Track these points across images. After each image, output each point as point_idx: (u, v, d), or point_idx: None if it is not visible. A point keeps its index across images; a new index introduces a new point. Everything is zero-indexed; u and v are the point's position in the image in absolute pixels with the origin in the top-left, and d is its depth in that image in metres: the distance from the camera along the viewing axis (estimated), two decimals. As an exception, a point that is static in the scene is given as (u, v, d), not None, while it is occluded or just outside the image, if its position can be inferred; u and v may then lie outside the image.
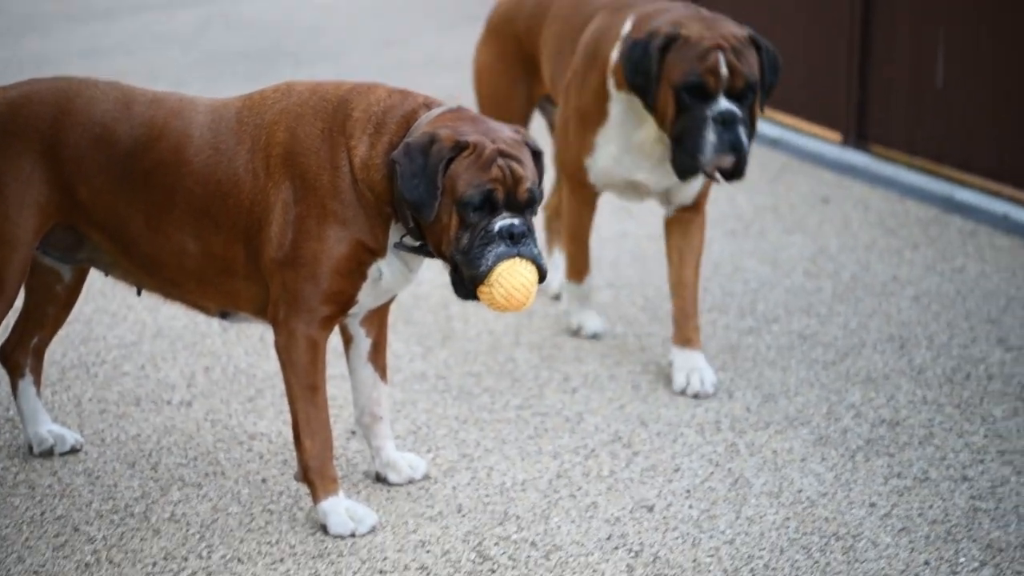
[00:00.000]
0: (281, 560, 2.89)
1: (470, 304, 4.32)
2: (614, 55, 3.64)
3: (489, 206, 2.78)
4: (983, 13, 5.33)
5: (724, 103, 3.46)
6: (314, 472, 3.01)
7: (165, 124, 2.99)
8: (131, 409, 3.60)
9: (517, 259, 2.78)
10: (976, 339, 4.03)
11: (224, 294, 3.04)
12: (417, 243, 2.91)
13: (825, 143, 6.16)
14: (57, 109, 3.02)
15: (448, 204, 2.78)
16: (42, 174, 3.01)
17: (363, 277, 2.91)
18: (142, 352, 3.96)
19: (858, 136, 6.04)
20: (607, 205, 5.40)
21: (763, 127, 6.47)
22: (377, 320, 3.15)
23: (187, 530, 3.01)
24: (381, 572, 2.84)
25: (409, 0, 10.53)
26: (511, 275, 2.76)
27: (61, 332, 3.95)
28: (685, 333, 3.72)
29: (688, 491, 3.18)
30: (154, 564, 2.87)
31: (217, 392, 3.70)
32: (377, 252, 2.92)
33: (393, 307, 4.26)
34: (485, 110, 4.08)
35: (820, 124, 6.29)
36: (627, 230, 5.09)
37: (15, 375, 3.35)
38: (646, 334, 4.12)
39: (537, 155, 2.90)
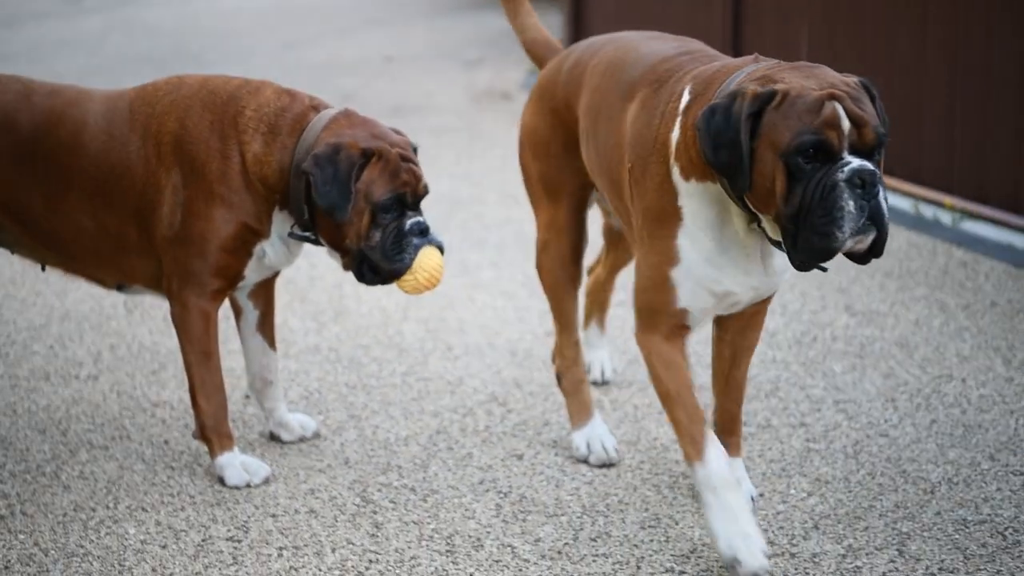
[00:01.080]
0: (182, 508, 3.17)
1: (363, 285, 4.63)
2: (674, 137, 2.84)
3: (400, 207, 3.12)
4: (838, 11, 5.72)
5: (855, 161, 2.68)
6: (210, 430, 3.29)
7: (63, 112, 3.26)
8: (41, 384, 3.86)
9: (428, 247, 3.14)
10: (826, 306, 4.40)
11: (119, 268, 3.31)
12: (306, 235, 3.21)
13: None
14: (-39, 96, 3.27)
15: (361, 206, 3.10)
16: (-54, 157, 3.26)
17: (248, 255, 3.20)
18: (50, 333, 4.21)
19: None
20: (493, 193, 5.73)
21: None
22: (264, 294, 3.44)
23: (95, 485, 3.27)
24: (273, 516, 3.13)
25: (308, 6, 10.81)
26: (428, 260, 3.15)
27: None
28: (734, 439, 3.15)
29: (555, 441, 3.50)
30: (64, 515, 3.13)
31: (122, 367, 3.97)
32: (261, 234, 3.21)
33: (289, 287, 4.56)
34: (534, 189, 3.46)
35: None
36: (512, 215, 5.41)
37: (-70, 351, 3.60)
38: (524, 307, 4.44)
39: (415, 150, 3.26)
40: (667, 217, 2.87)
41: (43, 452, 3.45)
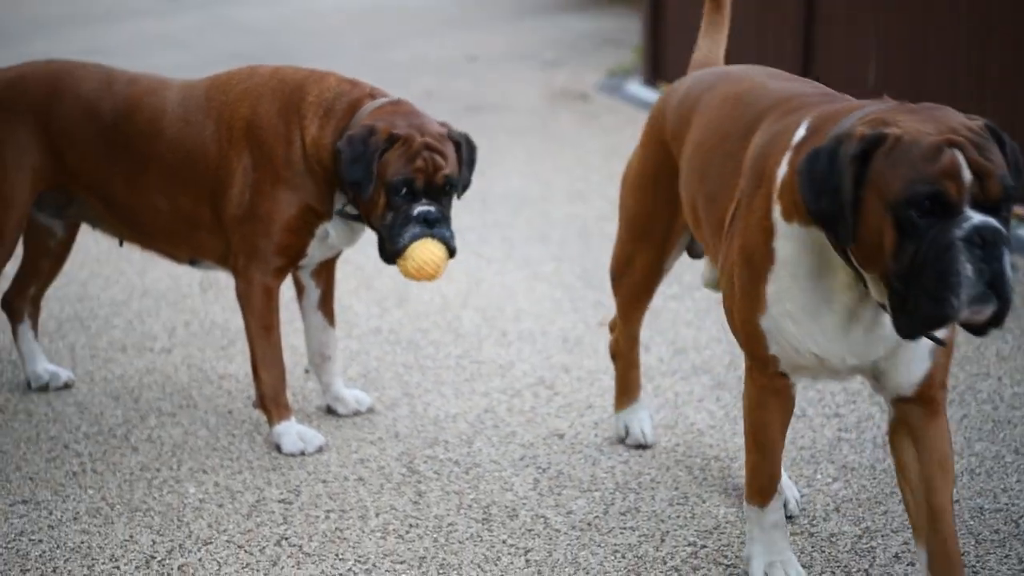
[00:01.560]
0: (239, 472, 3.38)
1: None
2: (780, 172, 2.54)
3: (411, 192, 3.29)
4: (910, 24, 5.82)
5: (976, 217, 2.35)
6: (269, 400, 3.50)
7: (141, 100, 3.49)
8: (118, 355, 4.10)
9: (429, 239, 3.28)
10: (874, 306, 4.51)
11: (191, 245, 3.54)
12: (355, 212, 3.41)
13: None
14: (49, 87, 3.52)
15: (379, 186, 3.28)
16: (36, 142, 3.51)
17: (311, 235, 3.40)
18: (130, 308, 4.45)
19: (801, 132, 6.52)
20: (561, 191, 5.90)
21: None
22: (325, 274, 3.65)
23: (160, 448, 3.50)
24: (324, 482, 3.33)
25: (396, 7, 11.05)
26: (422, 252, 3.28)
27: (59, 290, 4.46)
28: None
29: (596, 423, 3.67)
30: (131, 473, 3.36)
31: (194, 342, 4.20)
32: (323, 215, 3.41)
33: (357, 273, 4.77)
34: (625, 228, 3.30)
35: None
36: (577, 212, 5.58)
37: (15, 320, 3.85)
38: (580, 298, 4.61)
39: (458, 145, 3.40)
40: (759, 259, 2.58)
41: (115, 417, 3.68)
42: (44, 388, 3.83)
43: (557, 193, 5.86)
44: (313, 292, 3.65)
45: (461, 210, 5.56)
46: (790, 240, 2.55)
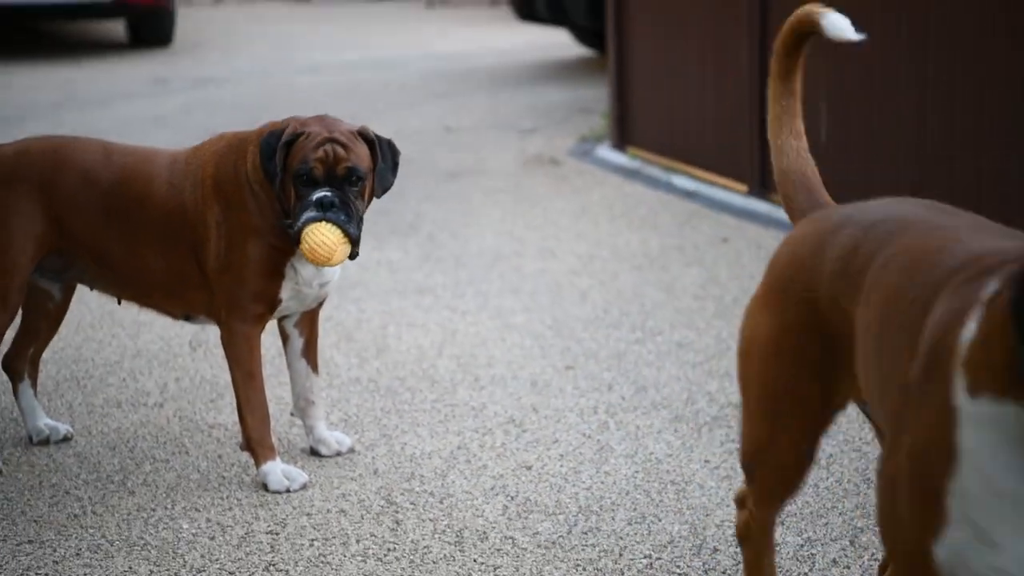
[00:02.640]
0: (229, 508, 3.63)
1: (404, 325, 5.10)
2: (966, 334, 1.92)
3: (311, 180, 3.56)
4: (855, 83, 6.15)
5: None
6: (255, 442, 3.77)
7: (136, 169, 3.78)
8: (113, 410, 4.36)
9: (324, 223, 3.53)
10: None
11: (183, 301, 3.82)
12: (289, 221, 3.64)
13: (733, 193, 6.97)
14: (51, 158, 3.81)
15: (288, 178, 3.58)
16: (40, 211, 3.79)
17: (281, 276, 3.68)
18: (124, 368, 4.72)
19: (761, 186, 6.85)
20: (533, 247, 6.18)
21: (679, 180, 7.30)
22: (308, 323, 3.92)
23: (155, 491, 3.75)
24: (308, 514, 3.59)
25: (379, 82, 11.41)
26: (314, 234, 3.52)
27: (56, 353, 4.73)
28: None
29: (561, 455, 3.93)
30: (128, 513, 3.61)
31: (185, 396, 4.46)
32: (286, 251, 3.66)
33: (338, 328, 5.04)
34: (756, 406, 2.61)
35: (729, 177, 7.12)
36: (548, 267, 5.87)
37: (16, 379, 4.11)
38: (549, 345, 4.88)
39: (372, 144, 3.64)
40: (934, 459, 1.93)
41: (113, 464, 3.94)
42: (45, 442, 4.09)
43: (529, 249, 6.15)
44: (297, 341, 3.93)
45: (434, 269, 5.88)
46: (981, 427, 1.88)
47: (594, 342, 4.89)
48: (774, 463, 2.61)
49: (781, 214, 6.52)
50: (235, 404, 3.80)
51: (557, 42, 13.07)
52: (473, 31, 14.56)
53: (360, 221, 3.63)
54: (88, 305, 5.28)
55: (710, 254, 5.99)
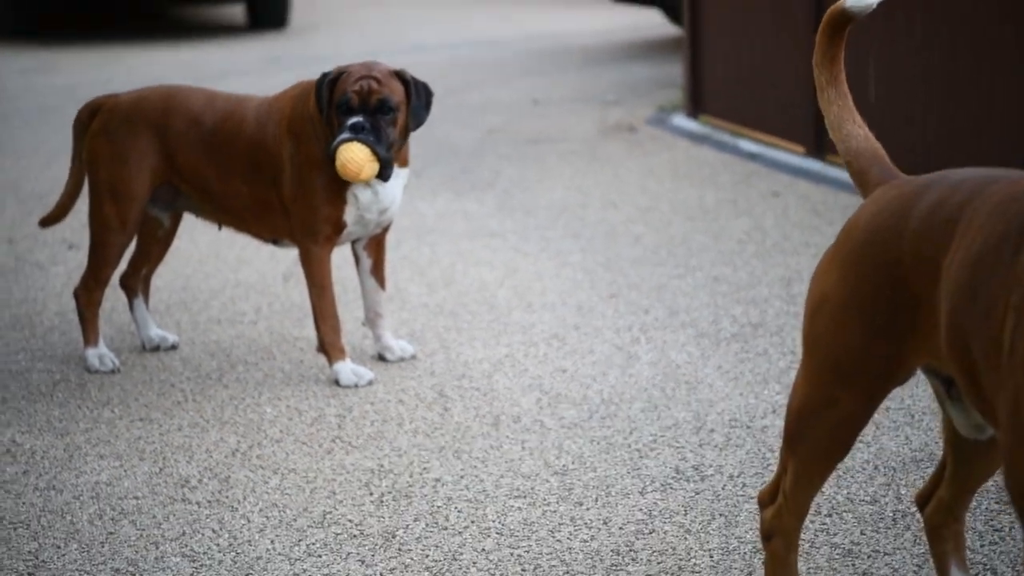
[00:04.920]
0: (306, 398, 4.30)
1: (471, 263, 5.73)
2: None
3: (348, 108, 4.20)
4: (905, 39, 6.62)
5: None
6: (328, 344, 4.43)
7: (232, 110, 4.47)
8: (214, 326, 5.05)
9: (355, 143, 4.15)
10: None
11: (269, 226, 4.49)
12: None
13: (791, 154, 7.49)
14: (165, 103, 4.52)
15: (331, 111, 4.22)
16: (154, 147, 4.49)
17: (343, 201, 4.32)
18: (225, 294, 5.41)
19: (816, 147, 7.36)
20: (597, 200, 6.74)
21: (744, 143, 7.84)
22: (375, 246, 4.57)
23: (245, 385, 4.43)
24: (371, 403, 4.24)
25: (475, 60, 12.04)
26: (346, 151, 4.15)
27: (168, 282, 5.43)
28: None
29: (594, 362, 4.53)
30: (222, 401, 4.29)
31: (275, 316, 5.13)
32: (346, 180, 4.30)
33: (411, 265, 5.68)
34: (820, 365, 2.65)
35: (789, 140, 7.63)
36: (608, 216, 6.45)
37: (131, 295, 4.82)
38: (599, 278, 5.47)
39: (407, 83, 4.27)
40: None
41: (211, 365, 4.62)
42: (155, 349, 4.78)
43: (594, 202, 6.73)
44: (365, 262, 4.57)
45: (506, 217, 6.49)
46: None
47: (638, 276, 5.47)
48: (829, 425, 2.66)
49: (833, 172, 7.06)
50: (312, 317, 4.46)
51: (649, 22, 13.60)
52: (569, 13, 15.12)
53: (390, 146, 4.25)
54: (197, 244, 5.99)
55: (760, 206, 6.52)
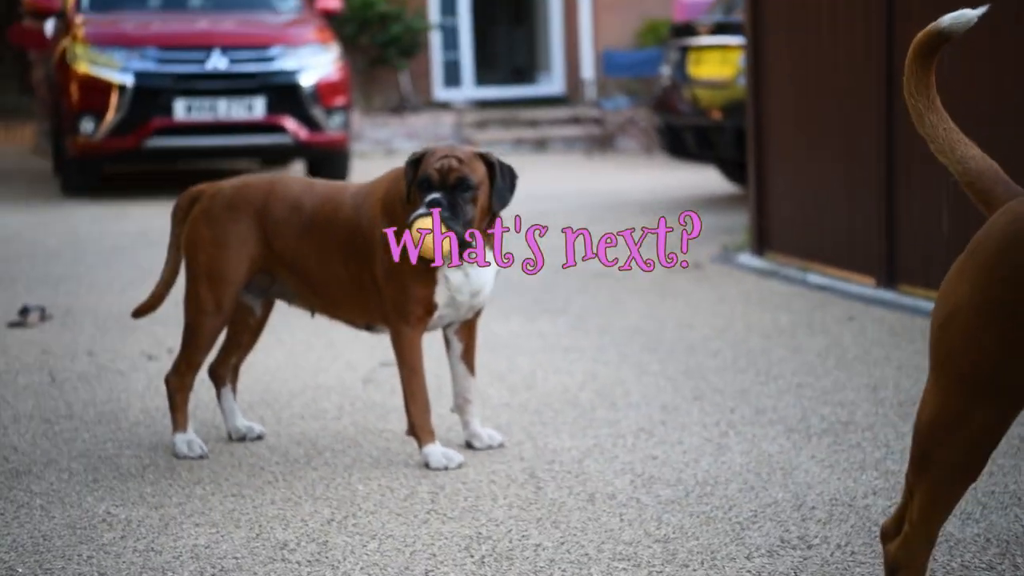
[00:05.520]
0: (397, 478, 4.27)
1: (551, 370, 5.72)
2: None
3: (429, 185, 4.26)
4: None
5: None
6: (418, 427, 4.41)
7: (329, 196, 4.54)
8: (298, 420, 5.05)
9: (427, 217, 4.18)
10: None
11: (364, 309, 4.52)
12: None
13: (863, 286, 7.51)
14: (266, 190, 4.60)
15: (414, 189, 4.30)
16: (255, 234, 4.56)
17: (434, 282, 4.35)
18: (306, 395, 5.42)
19: (888, 278, 7.37)
20: (672, 323, 6.73)
21: (812, 277, 7.87)
22: (466, 331, 4.59)
23: (335, 468, 4.41)
24: (463, 483, 4.20)
25: (541, 212, 12.17)
26: (420, 224, 4.18)
27: (247, 385, 5.45)
28: None
29: (684, 451, 4.48)
30: (312, 482, 4.27)
31: (358, 413, 5.13)
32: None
33: (489, 373, 5.69)
34: (951, 380, 2.64)
35: (858, 272, 7.66)
36: (685, 336, 6.45)
37: (219, 385, 4.84)
38: (680, 384, 5.45)
39: (491, 165, 4.33)
40: None
41: (298, 452, 4.61)
42: (242, 439, 4.78)
43: (669, 325, 6.75)
44: (456, 346, 4.59)
45: (581, 337, 6.51)
46: None
47: (721, 382, 5.45)
48: (962, 442, 2.62)
49: (907, 301, 7.06)
50: (403, 399, 4.45)
51: (706, 180, 13.78)
52: (627, 173, 15.35)
53: (467, 223, 4.29)
54: (272, 354, 6.03)
55: (835, 328, 6.52)
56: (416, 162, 4.34)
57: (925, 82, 2.79)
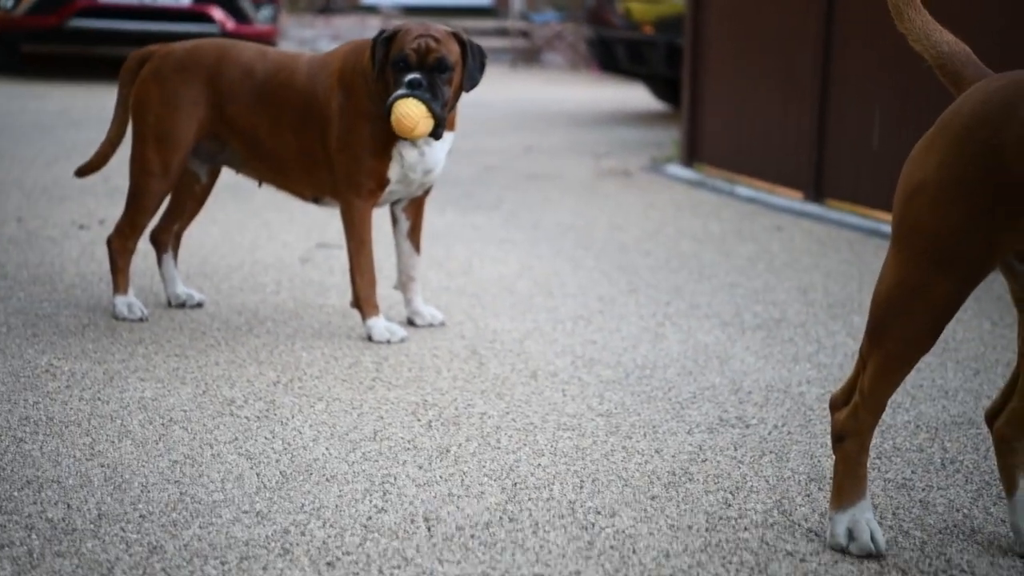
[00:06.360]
0: (340, 347, 4.30)
1: (487, 259, 5.76)
2: None
3: (406, 65, 4.25)
4: (909, 90, 6.80)
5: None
6: (363, 300, 4.44)
7: (284, 63, 4.51)
8: (237, 292, 5.04)
9: (411, 98, 4.19)
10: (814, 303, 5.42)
11: (314, 181, 4.50)
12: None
13: (790, 200, 7.62)
14: (219, 54, 4.54)
15: (387, 67, 4.27)
16: (205, 97, 4.52)
17: (389, 157, 4.34)
18: (244, 270, 5.41)
19: (816, 192, 7.50)
20: (603, 223, 6.80)
21: (741, 189, 7.97)
22: (414, 209, 4.60)
23: (278, 336, 4.43)
24: (407, 355, 4.25)
25: (465, 119, 12.13)
26: (401, 106, 4.19)
27: (184, 258, 5.43)
28: None
29: (623, 337, 4.57)
30: (256, 348, 4.28)
31: (297, 288, 5.14)
32: (393, 135, 4.31)
33: (426, 259, 5.71)
34: (913, 250, 2.68)
35: (786, 186, 7.78)
36: (617, 236, 6.52)
37: (161, 251, 4.81)
38: (615, 279, 5.53)
39: (463, 44, 4.31)
40: None
41: (239, 320, 4.61)
42: (182, 305, 4.77)
43: (600, 223, 6.82)
44: (404, 224, 4.61)
45: (514, 230, 6.56)
46: None
47: (655, 278, 5.54)
48: (920, 312, 2.67)
49: (834, 215, 7.18)
50: (347, 270, 4.46)
51: (633, 96, 13.83)
52: (554, 86, 15.35)
53: (445, 104, 4.30)
54: (209, 232, 6.00)
55: (764, 236, 6.62)
56: (388, 40, 4.33)
57: None
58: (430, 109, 4.23)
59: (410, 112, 4.21)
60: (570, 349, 4.40)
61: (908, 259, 2.70)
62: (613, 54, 12.36)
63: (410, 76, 4.26)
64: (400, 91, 4.24)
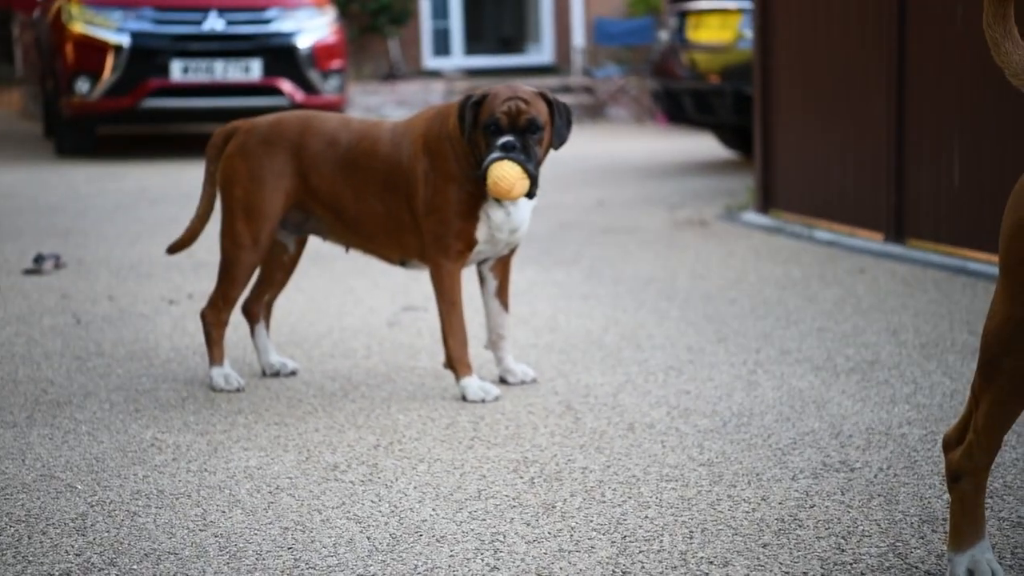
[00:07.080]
0: (436, 409, 4.33)
1: (572, 315, 5.78)
2: None
3: (497, 129, 4.29)
4: (987, 125, 6.76)
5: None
6: (456, 360, 4.47)
7: (366, 132, 4.58)
8: (328, 359, 5.10)
9: (506, 161, 4.24)
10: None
11: (400, 245, 4.56)
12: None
13: (870, 241, 7.59)
14: (302, 126, 4.63)
15: (478, 131, 4.32)
16: (290, 169, 4.60)
17: (476, 218, 4.40)
18: (333, 336, 5.47)
19: (896, 233, 7.46)
20: (684, 273, 6.80)
21: (819, 233, 7.94)
22: (501, 267, 4.64)
23: (373, 401, 4.46)
24: (502, 413, 4.27)
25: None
26: (497, 169, 4.24)
27: (272, 328, 5.49)
28: None
29: (716, 387, 4.56)
30: (352, 413, 4.32)
31: (387, 352, 5.18)
32: (480, 196, 4.38)
33: (511, 316, 5.74)
34: (1022, 287, 2.65)
35: (866, 228, 7.74)
36: (699, 286, 6.52)
37: (253, 322, 4.88)
38: (702, 328, 5.52)
39: (551, 104, 4.37)
40: None
41: (334, 386, 4.66)
42: (276, 374, 4.83)
43: (682, 274, 6.82)
44: (491, 283, 4.64)
45: (596, 285, 6.57)
46: None
47: (742, 326, 5.53)
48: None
49: (916, 254, 7.14)
50: (440, 332, 4.50)
51: (701, 146, 13.85)
52: (621, 140, 15.41)
53: (538, 164, 4.35)
54: (294, 301, 6.07)
55: (848, 279, 6.59)
56: (477, 104, 4.38)
57: (1002, 12, 2.78)
58: (525, 170, 4.28)
59: (506, 174, 4.26)
60: (664, 400, 4.40)
61: (1016, 294, 2.66)
62: (680, 105, 12.39)
63: (503, 139, 4.31)
64: (495, 154, 4.29)
